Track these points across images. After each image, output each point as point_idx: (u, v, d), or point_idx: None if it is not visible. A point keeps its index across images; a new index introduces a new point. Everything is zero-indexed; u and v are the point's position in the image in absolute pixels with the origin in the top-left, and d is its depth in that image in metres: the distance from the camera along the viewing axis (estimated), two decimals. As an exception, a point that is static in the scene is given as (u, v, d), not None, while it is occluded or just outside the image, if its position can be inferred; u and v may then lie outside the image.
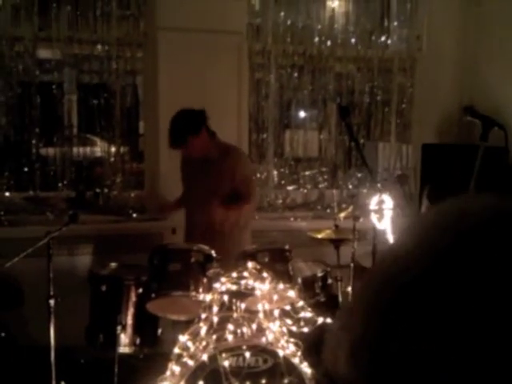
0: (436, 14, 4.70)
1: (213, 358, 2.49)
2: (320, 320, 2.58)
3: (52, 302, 2.84)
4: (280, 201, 4.55)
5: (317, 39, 4.61)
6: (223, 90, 4.16)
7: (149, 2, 4.22)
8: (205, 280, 2.77)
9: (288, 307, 2.67)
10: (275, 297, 2.67)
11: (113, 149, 4.35)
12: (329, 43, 4.63)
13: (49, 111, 4.26)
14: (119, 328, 2.84)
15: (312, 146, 4.81)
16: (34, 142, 4.16)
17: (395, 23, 4.79)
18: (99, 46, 4.30)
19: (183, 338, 2.57)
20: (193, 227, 3.37)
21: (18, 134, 4.17)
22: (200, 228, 3.27)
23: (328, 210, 4.48)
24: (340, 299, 3.19)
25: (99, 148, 4.56)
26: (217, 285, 2.68)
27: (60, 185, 4.22)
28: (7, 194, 4.09)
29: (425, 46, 4.77)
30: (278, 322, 2.62)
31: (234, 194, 3.27)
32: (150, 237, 3.72)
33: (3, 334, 3.35)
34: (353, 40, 4.69)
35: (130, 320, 2.90)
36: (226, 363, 2.50)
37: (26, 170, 4.15)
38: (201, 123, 3.24)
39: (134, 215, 4.16)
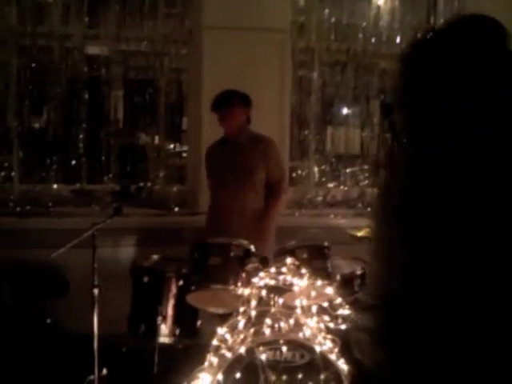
0: (484, 12, 4.59)
1: (250, 351, 2.52)
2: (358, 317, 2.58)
3: (96, 291, 2.94)
4: (320, 198, 4.55)
5: (361, 36, 4.58)
6: (266, 86, 4.17)
7: (194, 0, 4.28)
8: (244, 274, 2.79)
9: (326, 304, 2.68)
10: (313, 293, 2.69)
11: (157, 144, 4.44)
12: (373, 40, 4.60)
13: (96, 106, 4.37)
14: (160, 319, 2.90)
15: (354, 143, 4.79)
16: (81, 136, 4.28)
17: (442, 21, 4.71)
18: (145, 43, 4.39)
19: (222, 331, 2.61)
20: (219, 212, 3.47)
21: (66, 128, 4.30)
22: (227, 212, 3.39)
23: (369, 209, 4.45)
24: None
25: (144, 143, 4.66)
26: (255, 279, 2.71)
27: (105, 178, 4.34)
28: (55, 186, 4.23)
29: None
30: (315, 318, 2.63)
31: (269, 187, 3.38)
32: (190, 230, 3.78)
33: (49, 321, 3.47)
34: (398, 37, 4.64)
35: (170, 311, 2.95)
36: (263, 357, 2.53)
37: (73, 163, 4.28)
38: (249, 102, 3.42)
39: (176, 209, 4.23)
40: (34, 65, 4.24)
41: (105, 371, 2.96)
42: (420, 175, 1.25)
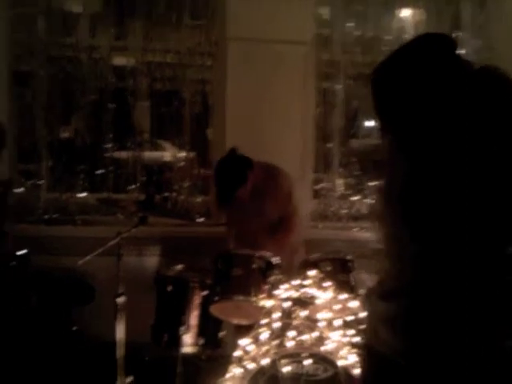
0: (510, 25, 4.57)
1: (273, 364, 2.53)
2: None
3: (120, 299, 2.96)
4: (344, 210, 4.54)
5: (386, 49, 4.58)
6: (289, 99, 4.19)
7: (219, 12, 4.33)
8: (266, 286, 2.80)
9: (350, 318, 2.68)
10: (336, 306, 2.69)
11: (182, 154, 4.48)
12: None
13: (122, 117, 4.44)
14: (183, 328, 2.92)
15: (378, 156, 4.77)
16: (108, 145, 4.35)
17: (467, 34, 4.69)
18: (171, 55, 4.45)
19: (244, 342, 2.62)
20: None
21: (93, 138, 4.38)
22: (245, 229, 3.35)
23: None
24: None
25: (169, 153, 4.71)
26: (278, 291, 2.72)
27: (131, 188, 4.39)
28: (82, 195, 4.30)
29: (497, 57, 4.65)
30: (339, 332, 2.63)
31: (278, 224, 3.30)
32: (214, 241, 3.80)
33: (75, 328, 3.52)
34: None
35: (193, 321, 2.97)
36: (286, 369, 2.54)
37: (100, 172, 4.35)
38: (245, 170, 3.18)
39: (200, 220, 4.26)
40: (62, 75, 4.32)
41: (130, 379, 2.98)
42: (415, 181, 1.45)
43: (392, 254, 1.51)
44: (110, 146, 4.35)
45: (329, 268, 2.82)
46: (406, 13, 4.75)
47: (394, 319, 1.46)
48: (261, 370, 2.53)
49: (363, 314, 2.57)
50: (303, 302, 2.71)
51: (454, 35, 4.66)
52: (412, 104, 1.48)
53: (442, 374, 1.38)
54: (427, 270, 1.42)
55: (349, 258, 2.91)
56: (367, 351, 1.58)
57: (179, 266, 3.23)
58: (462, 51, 4.68)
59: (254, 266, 2.86)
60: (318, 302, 2.67)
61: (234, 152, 3.23)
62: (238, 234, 3.48)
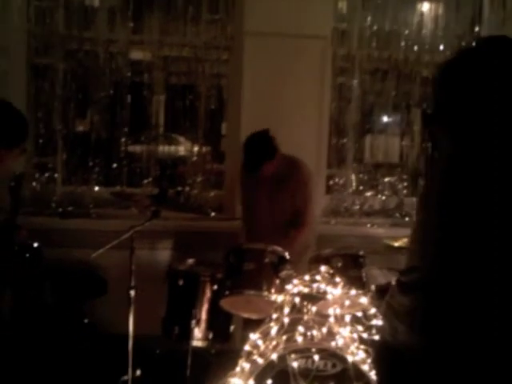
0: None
1: (282, 358, 2.52)
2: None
3: (132, 292, 2.98)
4: (357, 206, 4.51)
5: (403, 44, 4.54)
6: (305, 93, 4.18)
7: (236, 6, 4.32)
8: (277, 281, 2.80)
9: (360, 314, 2.66)
10: (347, 302, 2.67)
11: (196, 149, 4.49)
12: (416, 48, 4.55)
13: (138, 111, 4.45)
14: (193, 322, 2.93)
15: (393, 152, 4.74)
16: (122, 139, 4.37)
17: (486, 29, 4.61)
18: (187, 49, 4.45)
19: (254, 337, 2.62)
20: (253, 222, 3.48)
21: (108, 132, 4.40)
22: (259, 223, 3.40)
23: (407, 219, 4.39)
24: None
25: (183, 147, 4.72)
26: (289, 286, 2.71)
27: (145, 181, 4.41)
28: (96, 188, 4.33)
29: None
30: (348, 328, 2.62)
31: (293, 218, 3.33)
32: (226, 236, 3.80)
33: (86, 321, 3.55)
34: (441, 46, 4.57)
35: (204, 315, 2.99)
36: (295, 364, 2.52)
37: (114, 166, 4.37)
38: (275, 148, 3.32)
39: (213, 214, 4.27)
40: (79, 69, 4.35)
41: (138, 372, 3.00)
42: (459, 170, 1.44)
43: (418, 239, 1.50)
44: (124, 139, 4.37)
45: (340, 264, 2.80)
46: (424, 7, 4.69)
47: (413, 313, 1.44)
48: (270, 365, 2.53)
49: (373, 310, 2.56)
50: (314, 298, 2.70)
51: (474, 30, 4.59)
52: (479, 103, 1.45)
53: (462, 371, 1.35)
54: (449, 261, 1.39)
55: (361, 253, 2.90)
56: (384, 348, 1.56)
57: (191, 260, 3.24)
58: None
59: (266, 260, 2.86)
60: (328, 297, 2.66)
61: (267, 131, 3.34)
62: (251, 230, 3.48)
